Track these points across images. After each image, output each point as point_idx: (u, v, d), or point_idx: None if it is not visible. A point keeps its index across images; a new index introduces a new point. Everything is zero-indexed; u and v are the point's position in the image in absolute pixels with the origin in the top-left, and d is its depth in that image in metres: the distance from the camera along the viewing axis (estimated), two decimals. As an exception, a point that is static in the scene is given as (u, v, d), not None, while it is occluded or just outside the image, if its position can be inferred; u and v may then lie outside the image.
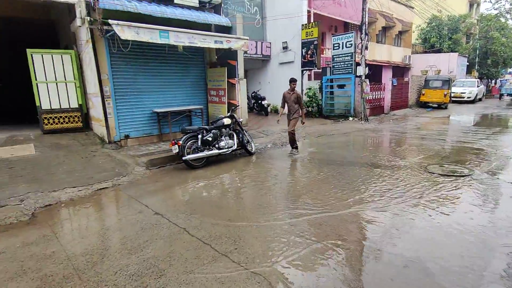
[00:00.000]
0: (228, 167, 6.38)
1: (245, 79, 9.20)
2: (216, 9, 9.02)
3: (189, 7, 8.12)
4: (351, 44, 12.57)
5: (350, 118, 12.86)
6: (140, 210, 4.17)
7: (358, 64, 12.55)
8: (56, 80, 7.79)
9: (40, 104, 7.70)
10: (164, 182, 5.53)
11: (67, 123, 8.07)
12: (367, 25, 12.64)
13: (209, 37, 7.07)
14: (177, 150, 6.08)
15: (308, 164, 6.47)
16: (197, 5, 8.35)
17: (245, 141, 7.31)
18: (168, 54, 7.97)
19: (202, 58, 8.91)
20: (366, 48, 12.31)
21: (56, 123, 7.96)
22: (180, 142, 6.11)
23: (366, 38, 12.26)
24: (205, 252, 3.03)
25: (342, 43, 12.91)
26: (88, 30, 6.70)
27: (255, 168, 6.37)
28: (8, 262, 2.95)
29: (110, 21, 5.75)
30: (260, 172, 5.99)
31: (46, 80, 7.68)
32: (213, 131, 6.66)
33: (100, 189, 5.12)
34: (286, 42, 14.40)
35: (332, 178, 5.34)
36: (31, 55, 7.46)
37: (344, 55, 12.93)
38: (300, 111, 7.25)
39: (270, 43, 15.28)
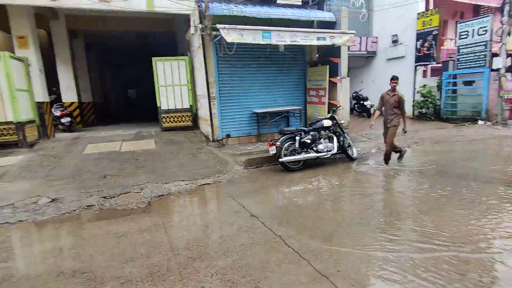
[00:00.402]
0: (326, 172, 5.92)
1: (348, 78, 8.49)
2: (319, 5, 8.61)
3: (292, 6, 7.97)
4: (486, 31, 10.21)
5: (480, 122, 10.47)
6: (237, 210, 4.17)
7: (495, 55, 10.10)
8: (173, 83, 8.81)
9: (160, 105, 8.84)
10: (260, 183, 5.49)
11: (180, 122, 9.04)
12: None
13: (311, 34, 6.74)
14: (274, 151, 5.98)
15: (423, 177, 5.41)
16: (300, 3, 8.12)
17: (346, 145, 6.69)
18: (269, 55, 8.01)
19: (303, 57, 8.65)
20: (509, 34, 9.78)
21: (172, 122, 9.00)
22: (278, 143, 5.98)
23: (509, 22, 9.73)
24: (302, 268, 2.72)
25: (473, 30, 10.62)
26: (199, 36, 7.28)
27: (357, 175, 5.71)
28: (126, 246, 3.30)
29: (217, 25, 6.07)
30: (362, 181, 5.32)
31: (165, 84, 8.76)
32: (312, 133, 6.30)
33: (203, 184, 5.43)
34: (396, 35, 12.80)
35: (457, 198, 4.28)
36: (155, 62, 8.62)
37: (474, 44, 10.63)
38: (402, 118, 5.88)
39: (376, 37, 13.89)
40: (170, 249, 3.17)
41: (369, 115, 12.58)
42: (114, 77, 23.38)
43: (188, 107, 9.01)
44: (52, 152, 7.05)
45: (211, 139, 7.75)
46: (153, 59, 8.63)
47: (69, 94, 11.05)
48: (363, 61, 14.71)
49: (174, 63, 8.76)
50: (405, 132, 5.98)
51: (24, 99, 7.45)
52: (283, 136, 6.21)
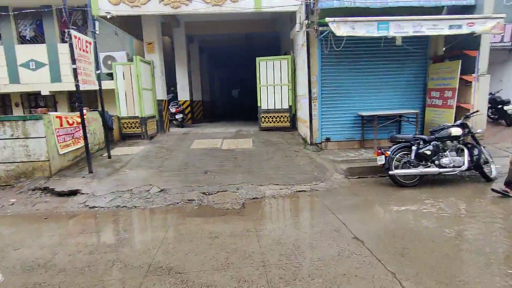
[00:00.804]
0: (452, 194, 4.72)
1: (488, 75, 6.71)
2: (452, -12, 7.06)
3: (415, -9, 6.74)
4: None
5: None
6: (337, 228, 3.62)
7: None
8: (274, 83, 8.72)
9: (261, 104, 8.89)
10: (364, 196, 4.76)
11: (278, 122, 8.91)
12: None
13: (441, 22, 5.51)
14: (382, 162, 5.12)
15: None
16: (426, -13, 6.81)
17: (482, 160, 5.24)
18: (382, 50, 7.01)
19: (424, 51, 7.29)
20: None
21: (270, 122, 8.95)
22: (388, 152, 5.10)
23: None
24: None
25: None
26: (304, 33, 6.90)
27: (497, 203, 4.34)
28: (218, 250, 3.19)
29: (326, 19, 5.56)
30: (506, 212, 3.98)
31: (266, 83, 8.75)
32: (434, 142, 5.15)
33: (299, 191, 5.05)
34: None
35: None
36: (259, 62, 8.70)
37: None
38: None
39: (530, 23, 10.76)
40: (262, 262, 2.90)
41: (510, 123, 9.87)
42: (220, 78, 25.41)
43: (287, 107, 8.79)
44: (165, 145, 7.88)
45: (309, 142, 7.31)
46: (257, 59, 8.73)
47: (183, 93, 12.36)
48: (504, 55, 11.66)
49: (276, 62, 8.66)
50: None
51: (148, 97, 8.58)
52: (395, 144, 5.27)
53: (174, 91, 12.29)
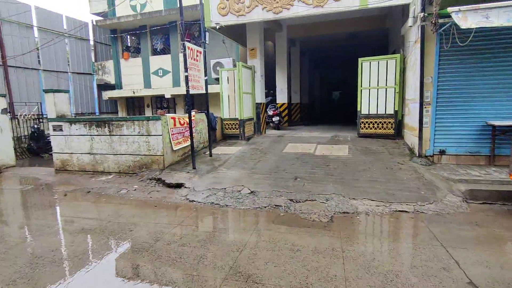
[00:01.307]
0: None
1: None
2: None
3: None
4: None
5: None
6: (446, 266, 2.95)
7: None
8: (377, 85, 7.91)
9: (361, 109, 8.20)
10: (488, 229, 3.76)
11: (380, 129, 8.05)
12: None
13: None
14: (523, 188, 3.94)
15: None
16: None
17: None
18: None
19: None
20: None
21: (370, 128, 8.17)
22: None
23: None
24: None
25: None
26: (419, 28, 5.97)
27: None
28: (299, 265, 3.03)
29: (449, 9, 4.63)
30: None
31: (369, 86, 8.01)
32: None
33: (399, 211, 4.39)
34: None
35: None
36: (361, 63, 8.03)
37: None
38: None
39: None
40: (344, 291, 2.60)
41: None
42: (321, 80, 24.83)
43: (392, 112, 7.82)
44: (260, 147, 8.14)
45: (417, 154, 6.30)
46: (360, 59, 8.08)
47: (281, 96, 12.58)
48: None
49: (382, 62, 7.82)
50: None
51: (247, 100, 9.04)
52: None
53: (273, 94, 12.62)
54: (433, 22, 5.28)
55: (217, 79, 10.90)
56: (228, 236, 3.83)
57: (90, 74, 15.73)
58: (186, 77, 6.21)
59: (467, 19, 4.42)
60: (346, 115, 17.30)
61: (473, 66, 5.88)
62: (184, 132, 7.34)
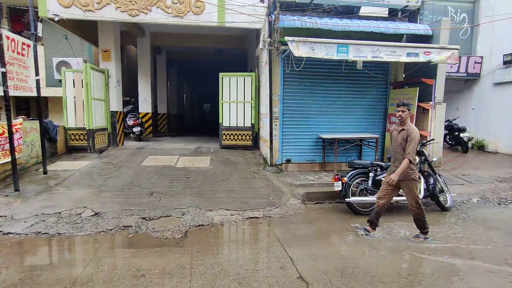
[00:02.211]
0: (407, 224, 4.54)
1: (444, 104, 6.89)
2: (411, 18, 7.31)
3: (376, 18, 6.87)
4: None
5: None
6: (283, 264, 3.25)
7: None
8: (236, 100, 8.44)
9: (222, 121, 8.53)
10: (318, 226, 4.45)
11: (239, 140, 8.58)
12: None
13: (399, 49, 5.55)
14: (339, 188, 4.90)
15: None
16: (386, 15, 6.98)
17: (438, 189, 5.17)
18: (343, 73, 6.99)
19: (385, 77, 7.38)
20: None
21: (231, 140, 8.60)
22: (345, 178, 4.89)
23: None
24: None
25: None
26: (267, 51, 6.74)
27: (452, 233, 4.22)
28: (139, 294, 2.68)
29: (286, 38, 5.41)
30: (460, 242, 3.84)
31: (229, 100, 8.45)
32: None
33: (251, 217, 4.66)
34: (511, 54, 10.35)
35: None
36: (222, 78, 8.40)
37: None
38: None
39: (481, 57, 11.52)
40: (186, 312, 2.44)
41: (466, 150, 10.28)
42: (190, 91, 24.92)
43: (250, 125, 8.50)
44: (114, 160, 7.22)
45: (269, 163, 7.01)
46: (220, 74, 8.45)
47: (145, 105, 11.73)
48: (460, 85, 12.35)
49: (240, 79, 8.42)
50: (390, 183, 3.88)
51: (99, 108, 7.92)
52: (352, 170, 5.09)
53: (135, 103, 11.63)
54: (276, 47, 6.05)
55: (61, 81, 9.15)
56: (53, 273, 3.06)
57: None
58: (3, 74, 4.83)
59: (299, 48, 5.28)
60: (215, 126, 17.87)
61: (309, 88, 7.08)
62: (4, 145, 5.68)
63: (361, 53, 5.42)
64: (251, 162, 7.40)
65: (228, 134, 8.55)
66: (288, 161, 7.13)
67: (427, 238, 3.97)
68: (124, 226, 4.22)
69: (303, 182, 6.12)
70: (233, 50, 12.94)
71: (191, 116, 24.77)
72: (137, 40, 11.36)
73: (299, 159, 7.19)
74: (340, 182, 4.90)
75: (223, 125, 8.49)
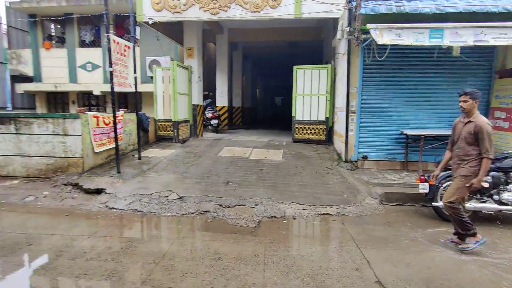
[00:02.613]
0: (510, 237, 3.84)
1: None
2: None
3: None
4: None
5: None
6: (359, 266, 3.09)
7: None
8: (311, 93, 8.27)
9: (295, 115, 8.48)
10: (399, 229, 4.10)
11: (312, 134, 8.41)
12: None
13: (512, 30, 4.63)
14: (426, 190, 4.40)
15: None
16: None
17: None
18: (434, 61, 6.19)
19: (489, 64, 6.28)
20: None
21: (304, 134, 8.49)
22: (433, 180, 4.36)
23: None
24: None
25: None
26: (346, 41, 6.40)
27: None
28: (219, 275, 2.88)
29: (368, 25, 5.03)
30: None
31: (303, 93, 8.33)
32: (494, 173, 4.29)
33: (323, 214, 4.55)
34: None
35: None
36: (296, 71, 8.32)
37: None
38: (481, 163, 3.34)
39: None
40: (260, 299, 2.53)
41: None
42: (264, 85, 25.42)
43: (324, 119, 8.25)
44: (195, 150, 7.85)
45: (344, 159, 6.71)
46: (295, 67, 8.37)
47: (221, 99, 12.43)
48: None
49: (315, 71, 8.21)
50: (471, 187, 3.37)
51: (183, 102, 8.68)
52: (443, 171, 4.51)
53: (213, 97, 12.40)
54: (356, 36, 5.69)
55: (153, 78, 10.31)
56: (146, 247, 3.51)
57: (2, 63, 13.57)
58: (111, 72, 5.67)
59: (383, 35, 4.85)
60: (287, 120, 17.94)
61: (390, 80, 6.49)
62: (109, 133, 6.69)
63: (460, 38, 4.70)
64: (324, 157, 7.20)
65: (301, 128, 8.47)
66: (365, 157, 6.71)
67: (465, 246, 3.44)
68: (204, 211, 4.57)
69: (382, 181, 5.69)
70: (308, 42, 12.68)
71: (263, 109, 25.32)
72: (216, 38, 12.03)
73: (377, 156, 6.70)
74: (426, 183, 4.39)
75: (296, 118, 8.44)
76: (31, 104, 14.23)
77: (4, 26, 13.76)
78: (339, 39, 6.86)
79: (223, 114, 12.31)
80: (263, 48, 14.92)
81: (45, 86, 12.49)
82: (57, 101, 13.55)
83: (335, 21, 7.61)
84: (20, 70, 13.16)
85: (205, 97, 10.76)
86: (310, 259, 3.24)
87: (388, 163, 6.68)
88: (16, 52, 13.22)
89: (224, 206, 4.73)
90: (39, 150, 6.12)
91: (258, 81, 22.21)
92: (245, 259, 3.20)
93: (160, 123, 8.79)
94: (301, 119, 8.41)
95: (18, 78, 13.50)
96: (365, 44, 5.99)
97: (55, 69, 12.61)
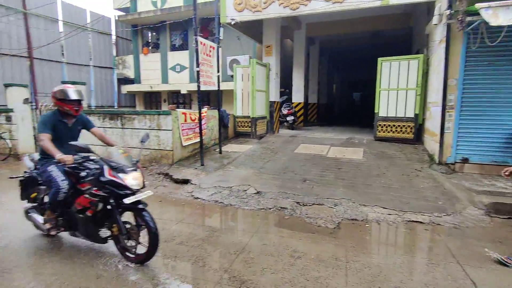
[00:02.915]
0: None
1: None
2: None
3: None
4: None
5: None
6: (461, 286, 2.66)
7: None
8: (397, 87, 7.52)
9: (378, 111, 7.83)
10: (514, 248, 3.40)
11: (398, 132, 7.66)
12: None
13: None
14: (554, 204, 3.55)
15: None
16: None
17: None
18: None
19: None
20: None
21: (388, 132, 7.79)
22: None
23: None
24: None
25: None
26: (444, 27, 5.58)
27: None
28: (298, 274, 2.84)
29: (477, 5, 4.26)
30: None
31: (388, 87, 7.63)
32: None
33: (412, 221, 4.08)
34: None
35: None
36: (381, 63, 7.67)
37: None
38: None
39: None
40: (343, 306, 2.39)
41: None
42: (341, 80, 24.29)
43: (412, 116, 7.41)
44: (271, 146, 7.95)
45: (437, 161, 5.91)
46: (379, 59, 7.71)
47: (298, 95, 12.30)
48: None
49: (403, 63, 7.41)
50: None
51: (261, 98, 8.87)
52: None
53: (289, 93, 12.37)
54: (460, 19, 4.89)
55: (232, 76, 10.81)
56: (227, 237, 3.69)
57: (111, 68, 16.06)
58: (198, 72, 6.12)
59: (498, 16, 4.04)
60: (366, 117, 16.83)
61: (502, 69, 5.42)
62: (194, 128, 7.27)
63: None
64: (412, 158, 6.48)
65: (384, 125, 7.79)
66: (465, 160, 5.78)
67: None
68: (281, 207, 4.57)
69: (489, 189, 4.82)
70: (394, 32, 11.59)
71: (340, 105, 24.23)
72: (294, 33, 11.93)
73: (481, 159, 5.70)
74: (556, 196, 3.54)
75: (379, 115, 7.79)
76: (132, 102, 16.50)
77: (114, 37, 16.23)
78: (435, 24, 6.04)
79: (299, 110, 12.18)
80: (342, 40, 14.21)
81: (143, 86, 14.30)
82: (152, 100, 15.39)
83: (429, 4, 6.74)
84: (124, 73, 15.37)
85: (281, 94, 10.79)
86: (399, 271, 2.93)
87: (496, 167, 5.62)
88: (121, 58, 15.47)
89: (301, 203, 4.66)
90: (138, 143, 7.01)
91: (334, 76, 21.32)
92: (325, 261, 3.08)
93: (239, 119, 9.17)
94: (385, 115, 7.73)
95: (122, 80, 15.81)
96: (470, 28, 5.12)
97: (151, 72, 14.34)
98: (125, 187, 2.84)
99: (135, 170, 2.93)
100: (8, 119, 8.36)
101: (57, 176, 3.04)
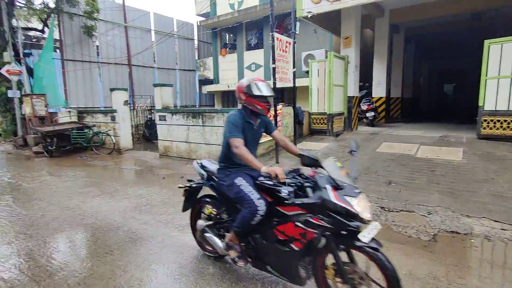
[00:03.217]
0: None
1: None
2: None
3: None
4: None
5: None
6: None
7: None
8: (511, 74, 6.21)
9: (484, 104, 6.61)
10: None
11: (511, 129, 6.32)
12: None
13: None
14: None
15: None
16: None
17: None
18: None
19: None
20: None
21: (497, 128, 6.51)
22: None
23: None
24: None
25: None
26: None
27: None
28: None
29: None
30: None
31: (498, 75, 6.36)
32: None
33: (537, 240, 3.28)
34: None
35: None
36: (488, 46, 6.43)
37: None
38: None
39: None
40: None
41: None
42: (429, 71, 21.55)
43: (533, 109, 6.02)
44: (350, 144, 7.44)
45: None
46: (486, 42, 6.46)
47: (378, 89, 11.30)
48: None
49: (520, 44, 6.07)
50: None
51: (338, 94, 8.39)
52: None
53: (368, 87, 11.46)
54: None
55: (307, 72, 10.49)
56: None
57: (194, 70, 17.40)
58: (274, 69, 6.07)
59: None
60: (462, 112, 14.55)
61: None
62: (270, 126, 7.27)
63: None
64: (533, 161, 5.26)
65: (492, 120, 6.51)
66: None
67: None
68: (363, 211, 4.19)
69: None
70: (505, 9, 9.61)
71: (428, 99, 21.47)
72: (375, 22, 10.96)
73: None
74: None
75: (485, 108, 6.54)
76: (211, 102, 17.61)
77: (196, 41, 17.55)
78: None
79: (380, 106, 11.17)
80: (432, 26, 12.46)
81: (221, 86, 15.09)
82: (229, 99, 16.13)
83: None
84: (205, 75, 16.48)
85: (360, 88, 10.05)
86: (523, 302, 2.35)
87: None
88: (202, 61, 16.61)
89: (386, 209, 4.20)
90: (217, 139, 7.36)
91: (421, 67, 18.96)
92: (420, 280, 2.67)
93: (314, 116, 8.86)
94: (493, 109, 6.45)
95: (203, 81, 16.98)
96: None
97: (228, 72, 15.02)
98: (354, 217, 2.02)
99: (361, 192, 2.09)
100: (113, 118, 9.73)
101: (250, 193, 2.34)
